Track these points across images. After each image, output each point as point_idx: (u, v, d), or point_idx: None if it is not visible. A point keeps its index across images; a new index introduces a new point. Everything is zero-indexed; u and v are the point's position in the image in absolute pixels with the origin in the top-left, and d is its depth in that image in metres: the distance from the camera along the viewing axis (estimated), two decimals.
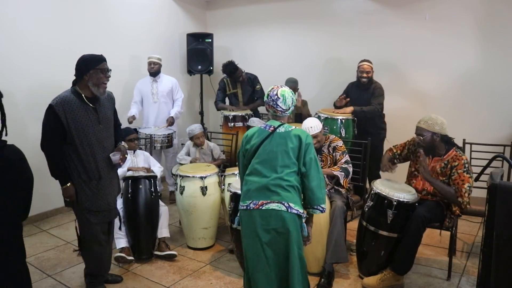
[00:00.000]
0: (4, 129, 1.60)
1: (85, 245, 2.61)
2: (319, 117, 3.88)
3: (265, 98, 2.25)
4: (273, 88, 2.22)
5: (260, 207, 2.11)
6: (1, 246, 1.39)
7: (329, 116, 3.93)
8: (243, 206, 2.17)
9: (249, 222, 2.15)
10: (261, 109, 4.98)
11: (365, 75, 4.07)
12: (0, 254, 1.40)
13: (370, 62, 4.11)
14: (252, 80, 4.75)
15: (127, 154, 2.70)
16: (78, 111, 2.40)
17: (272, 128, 2.20)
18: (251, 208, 2.13)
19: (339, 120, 3.88)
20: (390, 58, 4.61)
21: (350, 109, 4.02)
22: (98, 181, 2.50)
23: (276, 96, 2.19)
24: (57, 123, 2.36)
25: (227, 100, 4.89)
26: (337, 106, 4.22)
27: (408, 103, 4.54)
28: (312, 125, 3.07)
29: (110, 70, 2.49)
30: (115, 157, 2.54)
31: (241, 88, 4.74)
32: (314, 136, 3.14)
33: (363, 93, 4.14)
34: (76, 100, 2.40)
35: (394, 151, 3.16)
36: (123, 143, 2.73)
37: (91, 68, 2.40)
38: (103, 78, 2.44)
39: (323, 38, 5.08)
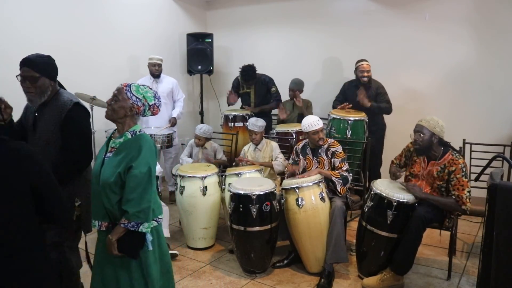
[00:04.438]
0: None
1: None
2: (328, 116, 3.92)
3: (153, 101, 1.93)
4: (147, 89, 1.94)
5: None
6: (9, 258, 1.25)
7: (341, 117, 3.88)
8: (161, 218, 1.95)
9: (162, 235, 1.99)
10: (273, 111, 4.97)
11: (365, 74, 4.09)
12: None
13: (368, 61, 4.13)
14: (267, 82, 4.60)
15: None
16: (27, 115, 2.26)
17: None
18: None
19: (348, 121, 3.85)
20: (390, 58, 4.61)
21: (369, 103, 3.98)
22: None
23: (159, 95, 2.00)
24: None
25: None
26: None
27: (408, 103, 4.53)
28: (314, 120, 3.10)
29: (21, 76, 2.11)
30: None
31: (255, 89, 4.60)
32: (317, 132, 3.10)
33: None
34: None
35: (396, 162, 3.13)
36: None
37: None
38: (23, 87, 2.10)
39: (323, 38, 5.08)
